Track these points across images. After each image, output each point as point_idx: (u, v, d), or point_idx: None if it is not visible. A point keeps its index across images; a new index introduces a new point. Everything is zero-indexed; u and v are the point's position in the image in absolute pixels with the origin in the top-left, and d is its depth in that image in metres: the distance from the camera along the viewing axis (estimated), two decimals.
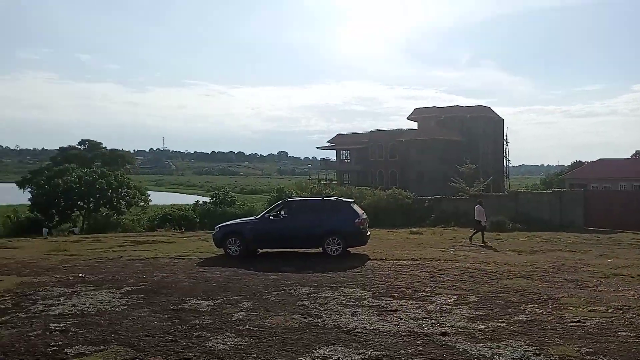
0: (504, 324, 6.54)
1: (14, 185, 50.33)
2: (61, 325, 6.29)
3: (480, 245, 16.08)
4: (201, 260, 12.74)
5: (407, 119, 55.21)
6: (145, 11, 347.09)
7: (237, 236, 13.27)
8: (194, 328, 6.21)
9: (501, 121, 53.49)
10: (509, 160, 53.98)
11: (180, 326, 6.30)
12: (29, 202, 40.12)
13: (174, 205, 49.77)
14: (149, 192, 46.63)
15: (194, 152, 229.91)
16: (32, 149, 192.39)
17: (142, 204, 42.72)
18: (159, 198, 59.20)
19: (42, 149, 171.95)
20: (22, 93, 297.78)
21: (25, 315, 6.84)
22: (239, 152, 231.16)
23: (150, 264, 12.14)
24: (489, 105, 54.98)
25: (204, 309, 7.22)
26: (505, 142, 52.70)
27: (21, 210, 39.95)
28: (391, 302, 7.71)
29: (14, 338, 5.75)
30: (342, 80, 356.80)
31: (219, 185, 74.12)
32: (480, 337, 5.92)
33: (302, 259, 12.74)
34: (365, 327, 6.33)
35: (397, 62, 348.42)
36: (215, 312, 7.02)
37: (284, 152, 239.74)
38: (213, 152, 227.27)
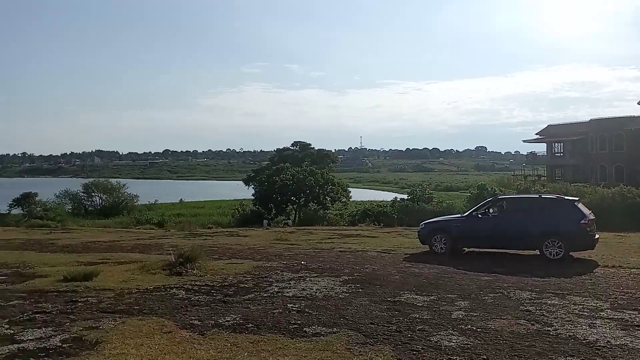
0: None
1: (241, 182, 58.67)
2: (296, 306, 7.05)
3: None
4: (407, 255, 12.90)
5: (639, 104, 46.85)
6: (344, 19, 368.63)
7: (443, 233, 13.08)
8: (415, 321, 6.31)
9: None
10: None
11: (401, 318, 6.47)
12: (252, 197, 46.40)
13: (372, 201, 51.71)
14: (349, 189, 49.40)
15: (389, 149, 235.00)
16: (252, 150, 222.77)
17: (343, 199, 45.48)
18: (357, 194, 62.25)
19: (260, 150, 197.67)
20: (245, 102, 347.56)
21: (265, 295, 7.85)
22: (434, 148, 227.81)
23: (360, 256, 12.80)
24: None
25: (420, 304, 7.28)
26: None
27: (246, 203, 46.47)
28: (637, 317, 6.61)
29: (261, 313, 6.66)
30: (552, 65, 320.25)
31: (413, 182, 74.30)
32: None
33: (515, 260, 11.89)
34: (609, 341, 5.55)
35: (622, 39, 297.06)
36: (433, 308, 7.01)
37: (482, 146, 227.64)
38: (407, 149, 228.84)
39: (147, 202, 58.77)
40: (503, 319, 6.53)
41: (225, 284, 8.73)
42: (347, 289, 8.33)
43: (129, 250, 14.48)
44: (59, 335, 5.62)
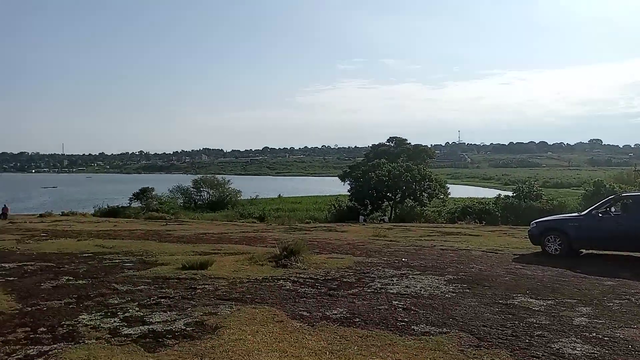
0: None
1: (336, 178, 59.47)
2: (402, 303, 6.96)
3: None
4: (516, 256, 12.18)
5: None
6: (441, 9, 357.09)
7: (557, 233, 12.16)
8: (532, 326, 5.92)
9: None
10: None
11: (515, 322, 6.11)
12: (348, 193, 46.79)
13: (473, 198, 49.62)
14: (447, 185, 47.89)
15: (490, 144, 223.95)
16: (347, 147, 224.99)
17: (441, 196, 44.22)
18: (456, 191, 60.22)
19: (355, 146, 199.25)
20: (340, 99, 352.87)
21: (369, 290, 7.85)
22: (541, 142, 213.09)
23: (463, 255, 12.32)
24: None
25: (536, 308, 6.82)
26: None
27: (342, 199, 46.95)
28: None
29: (367, 308, 6.67)
30: None
31: (518, 178, 70.06)
32: None
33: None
34: None
35: None
36: (551, 314, 6.54)
37: (597, 139, 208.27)
38: (511, 143, 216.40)
39: (249, 197, 61.91)
40: (633, 328, 5.91)
41: (329, 277, 8.87)
42: (453, 288, 8.06)
43: (237, 242, 15.30)
44: (183, 319, 6.10)
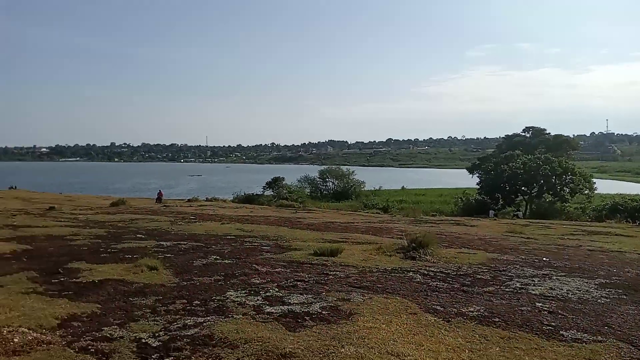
0: None
1: (464, 170, 57.06)
2: (547, 306, 6.44)
3: None
4: None
5: None
6: None
7: None
8: None
9: None
10: None
11: None
12: (477, 186, 44.58)
13: (624, 195, 44.09)
14: (593, 180, 43.16)
15: None
16: (475, 138, 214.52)
17: (586, 191, 40.04)
18: (602, 186, 54.12)
19: (484, 137, 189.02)
20: (469, 88, 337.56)
21: (507, 290, 7.37)
22: None
23: (616, 257, 11.04)
24: None
25: None
26: None
27: (469, 192, 44.88)
28: None
29: (507, 308, 6.28)
30: None
31: None
32: None
33: None
34: None
35: None
36: None
37: None
38: None
39: (372, 188, 62.32)
40: None
41: (461, 273, 8.55)
42: (606, 293, 7.24)
43: (363, 232, 15.48)
44: (318, 302, 6.34)
